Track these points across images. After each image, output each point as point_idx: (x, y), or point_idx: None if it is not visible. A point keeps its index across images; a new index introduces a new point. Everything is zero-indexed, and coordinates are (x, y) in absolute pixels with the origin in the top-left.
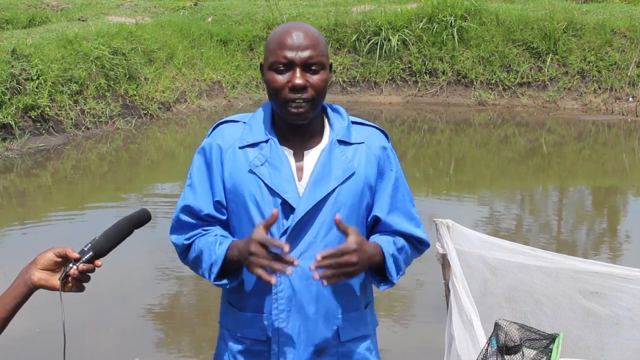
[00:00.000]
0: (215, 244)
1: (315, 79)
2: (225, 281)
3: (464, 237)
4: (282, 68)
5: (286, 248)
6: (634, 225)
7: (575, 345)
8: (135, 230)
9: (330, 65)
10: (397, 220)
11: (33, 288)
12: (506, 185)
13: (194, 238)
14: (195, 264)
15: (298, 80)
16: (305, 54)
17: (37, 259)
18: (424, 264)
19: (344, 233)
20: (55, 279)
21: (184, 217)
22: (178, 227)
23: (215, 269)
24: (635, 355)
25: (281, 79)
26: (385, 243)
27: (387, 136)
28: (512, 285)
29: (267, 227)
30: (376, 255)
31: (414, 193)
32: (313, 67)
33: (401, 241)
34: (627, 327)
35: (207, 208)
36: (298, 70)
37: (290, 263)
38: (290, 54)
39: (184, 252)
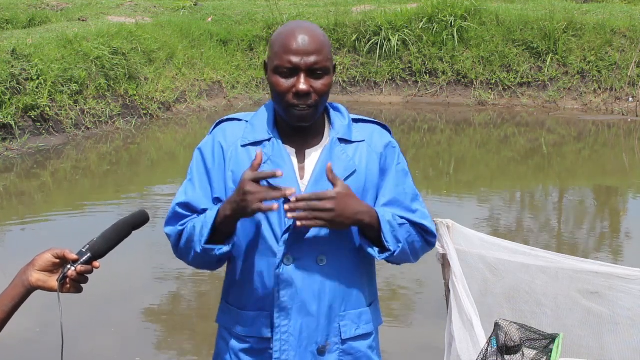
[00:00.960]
0: (205, 213)
1: (319, 84)
2: (215, 246)
3: (464, 237)
4: (286, 72)
5: (279, 173)
6: (634, 225)
7: (575, 345)
8: (135, 231)
9: (334, 67)
10: (396, 212)
11: (31, 289)
12: (506, 185)
13: (186, 223)
14: (187, 245)
15: (302, 86)
16: (311, 59)
17: (35, 260)
18: (424, 264)
19: (332, 183)
20: (53, 280)
21: (180, 211)
22: (173, 220)
23: (206, 231)
24: (635, 355)
25: (285, 83)
26: (382, 210)
27: (389, 131)
28: (512, 285)
29: (255, 170)
30: (365, 215)
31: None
32: (318, 72)
33: (402, 220)
34: (627, 327)
35: (204, 204)
36: (302, 76)
37: (286, 189)
38: (295, 59)
39: (177, 240)
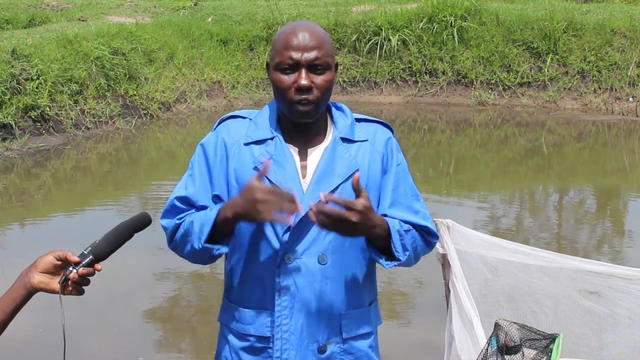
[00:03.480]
0: (205, 211)
1: (320, 79)
2: (214, 246)
3: (464, 237)
4: (287, 68)
5: (294, 194)
6: (634, 225)
7: (575, 345)
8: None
9: (337, 65)
10: (398, 214)
11: (32, 291)
12: (506, 185)
13: (184, 217)
14: (183, 239)
15: (303, 81)
16: (311, 54)
17: (36, 262)
18: (424, 264)
19: (357, 193)
20: (55, 282)
21: (178, 204)
22: (171, 212)
23: (206, 229)
24: (635, 355)
25: (287, 79)
26: (391, 220)
27: (391, 130)
28: (512, 285)
29: (260, 178)
30: (379, 228)
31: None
32: (319, 68)
33: (408, 226)
34: (627, 327)
35: (204, 200)
36: (304, 71)
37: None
38: (296, 55)
39: (173, 233)
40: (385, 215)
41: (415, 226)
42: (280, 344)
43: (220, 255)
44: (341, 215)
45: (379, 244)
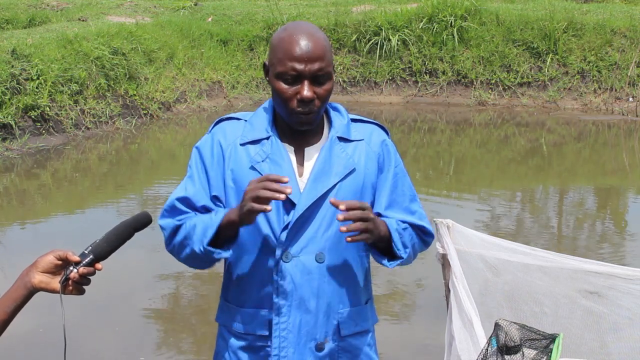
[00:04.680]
0: (211, 214)
1: (322, 89)
2: (216, 250)
3: (464, 237)
4: (290, 79)
5: (285, 179)
6: (634, 225)
7: (575, 345)
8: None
9: (334, 67)
10: (397, 215)
11: (33, 291)
12: (506, 185)
13: (184, 219)
14: (183, 242)
15: (307, 93)
16: (315, 66)
17: (37, 261)
18: (424, 264)
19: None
20: (55, 282)
21: (179, 205)
22: (170, 213)
23: (210, 232)
24: (635, 355)
25: (289, 90)
26: (389, 220)
27: (387, 132)
28: (512, 285)
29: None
30: (382, 226)
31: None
32: (321, 78)
33: (405, 224)
34: (627, 327)
35: (204, 200)
36: (307, 83)
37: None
38: (299, 67)
39: (172, 234)
40: (380, 214)
41: (412, 225)
42: (278, 342)
43: (219, 260)
44: (365, 215)
45: (381, 245)
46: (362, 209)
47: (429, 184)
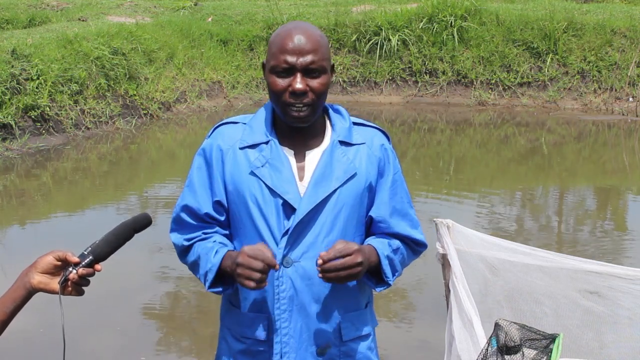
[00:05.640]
0: (212, 252)
1: (315, 83)
2: (220, 288)
3: (464, 237)
4: (282, 72)
5: (276, 267)
6: (634, 225)
7: (575, 345)
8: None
9: (332, 67)
10: (394, 222)
11: (32, 291)
12: (506, 185)
13: (193, 241)
14: (193, 268)
15: (298, 85)
16: (307, 59)
17: (36, 262)
18: (424, 264)
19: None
20: (54, 283)
21: (184, 217)
22: (177, 226)
23: (210, 277)
24: (635, 355)
25: (282, 82)
26: (379, 245)
27: (388, 137)
28: (512, 285)
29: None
30: (372, 256)
31: (414, 193)
32: (314, 72)
33: (396, 243)
34: (627, 327)
35: (206, 208)
36: (299, 75)
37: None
38: (291, 59)
39: (182, 252)
40: (373, 220)
41: (405, 239)
42: (280, 347)
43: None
44: (347, 264)
45: (370, 268)
46: (347, 254)
47: (429, 184)
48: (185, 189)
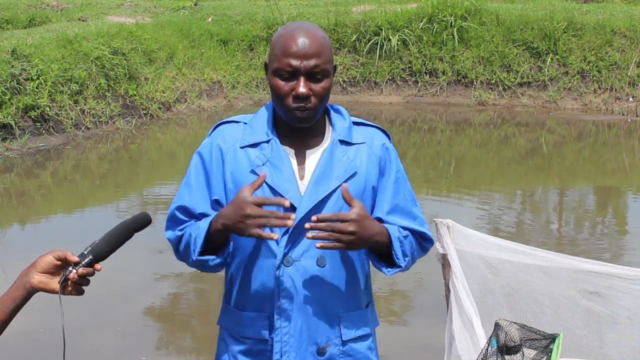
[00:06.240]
0: (199, 223)
1: (319, 87)
2: (209, 257)
3: (464, 237)
4: (286, 75)
5: (286, 203)
6: (634, 225)
7: (575, 345)
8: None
9: (335, 68)
10: (399, 220)
11: (32, 291)
12: (506, 185)
13: (185, 228)
14: (185, 251)
15: (302, 90)
16: (311, 62)
17: (36, 262)
18: (424, 264)
19: (349, 204)
20: (54, 283)
21: (179, 215)
22: (172, 224)
23: (199, 241)
24: (635, 355)
25: (285, 86)
26: (390, 227)
27: (388, 136)
28: (512, 285)
29: (254, 189)
30: (380, 235)
31: (414, 193)
32: (318, 75)
33: (406, 232)
34: (627, 327)
35: (202, 207)
36: (302, 79)
37: (287, 217)
38: (295, 63)
39: (176, 245)
40: (380, 219)
41: (413, 232)
42: (280, 347)
43: (221, 264)
44: (336, 228)
45: (380, 251)
46: (340, 220)
47: (429, 184)
48: (182, 188)
